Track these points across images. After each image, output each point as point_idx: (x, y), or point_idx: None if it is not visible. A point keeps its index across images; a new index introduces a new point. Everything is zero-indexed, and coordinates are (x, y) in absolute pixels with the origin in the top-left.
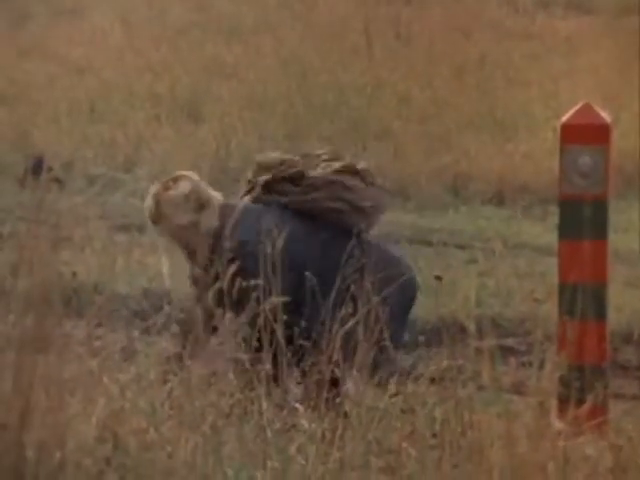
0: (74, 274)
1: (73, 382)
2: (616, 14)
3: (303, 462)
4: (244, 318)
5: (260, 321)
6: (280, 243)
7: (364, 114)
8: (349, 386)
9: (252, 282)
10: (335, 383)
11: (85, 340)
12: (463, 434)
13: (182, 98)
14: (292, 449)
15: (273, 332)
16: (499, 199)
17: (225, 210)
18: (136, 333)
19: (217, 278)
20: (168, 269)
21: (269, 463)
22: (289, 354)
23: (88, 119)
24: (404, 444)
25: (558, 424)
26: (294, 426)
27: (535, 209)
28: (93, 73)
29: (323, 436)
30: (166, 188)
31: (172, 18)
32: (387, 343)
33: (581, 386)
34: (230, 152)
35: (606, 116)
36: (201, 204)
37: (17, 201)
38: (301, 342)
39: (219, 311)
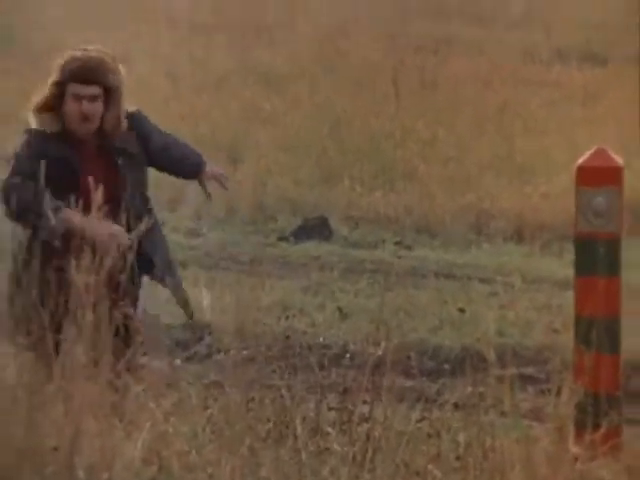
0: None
1: (120, 407)
2: (629, 64)
3: None
4: None
5: None
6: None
7: (392, 157)
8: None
9: None
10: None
11: (131, 368)
12: (485, 457)
13: (222, 142)
14: (325, 471)
15: None
16: (519, 236)
17: None
18: (178, 361)
19: None
20: (209, 302)
21: None
22: None
23: None
24: (430, 466)
25: (575, 448)
26: (327, 449)
27: (552, 246)
28: None
29: (354, 459)
30: None
31: (213, 68)
32: None
33: (596, 413)
34: (266, 192)
35: (619, 160)
36: None
37: None
38: None
39: None
